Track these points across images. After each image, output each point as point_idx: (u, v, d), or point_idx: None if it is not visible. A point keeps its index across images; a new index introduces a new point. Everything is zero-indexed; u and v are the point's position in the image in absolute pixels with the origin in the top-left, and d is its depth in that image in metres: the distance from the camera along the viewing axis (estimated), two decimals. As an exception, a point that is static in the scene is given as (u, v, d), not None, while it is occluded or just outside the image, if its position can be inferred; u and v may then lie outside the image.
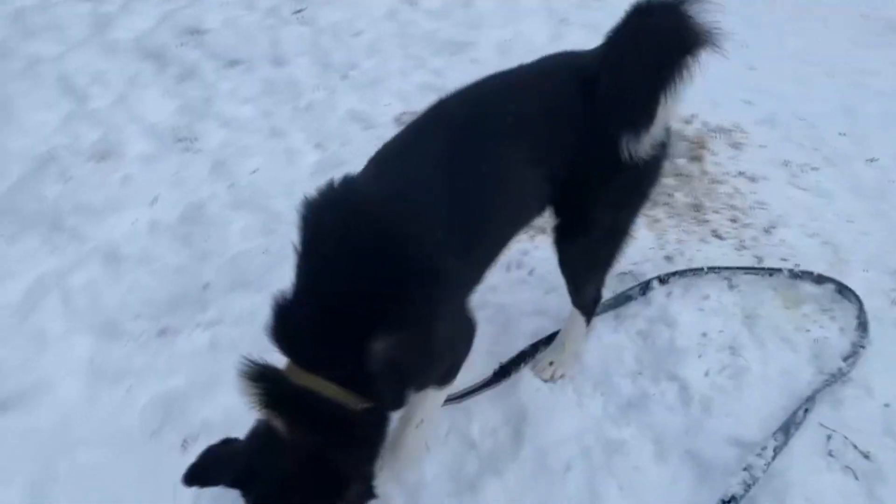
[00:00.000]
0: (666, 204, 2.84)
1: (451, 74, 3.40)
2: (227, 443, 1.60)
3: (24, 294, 2.44)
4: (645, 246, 2.63)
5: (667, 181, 2.93)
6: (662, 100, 1.70)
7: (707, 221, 2.77)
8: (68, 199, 2.78)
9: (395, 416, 1.76)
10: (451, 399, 2.04)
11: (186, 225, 2.67)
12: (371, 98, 3.35)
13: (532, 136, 1.73)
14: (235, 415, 1.63)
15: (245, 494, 1.51)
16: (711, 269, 2.49)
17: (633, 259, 2.55)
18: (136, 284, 2.45)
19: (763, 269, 2.51)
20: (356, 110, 3.26)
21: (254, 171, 2.93)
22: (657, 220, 2.76)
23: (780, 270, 2.48)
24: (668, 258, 2.59)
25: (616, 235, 2.04)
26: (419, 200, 1.57)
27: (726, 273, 2.49)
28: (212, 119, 3.22)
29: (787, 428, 1.98)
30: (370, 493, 1.61)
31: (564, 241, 1.99)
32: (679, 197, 2.88)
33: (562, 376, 2.19)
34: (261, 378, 1.50)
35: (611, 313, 2.37)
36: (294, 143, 3.08)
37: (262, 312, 1.54)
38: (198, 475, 1.53)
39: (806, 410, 2.04)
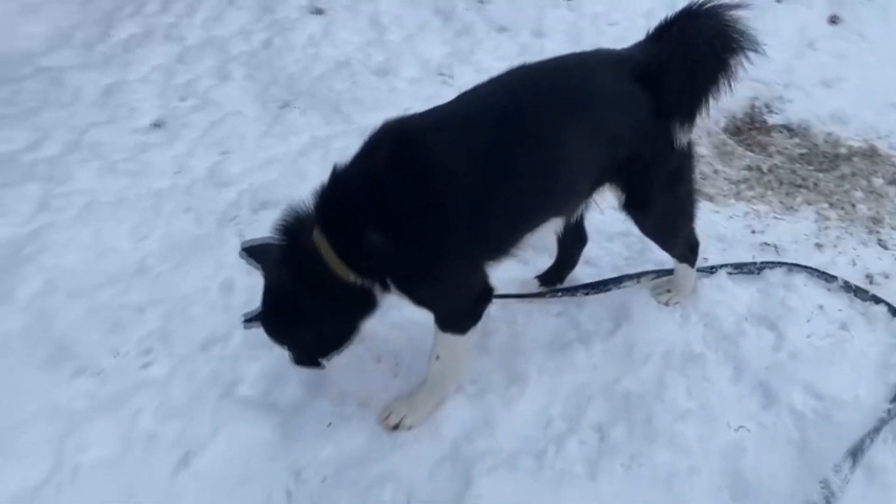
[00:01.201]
0: (842, 209, 2.98)
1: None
2: (271, 246, 1.95)
3: (300, 148, 3.32)
4: (800, 230, 2.82)
5: (855, 194, 3.05)
6: (710, 96, 1.95)
7: (877, 232, 2.86)
8: (349, 94, 3.65)
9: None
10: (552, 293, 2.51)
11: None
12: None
13: (590, 117, 1.93)
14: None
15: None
16: (779, 263, 2.62)
17: (782, 236, 2.77)
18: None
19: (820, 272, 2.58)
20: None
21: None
22: (827, 218, 2.92)
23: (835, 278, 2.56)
24: (819, 246, 2.76)
25: (679, 204, 2.27)
26: (457, 139, 1.81)
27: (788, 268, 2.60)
28: (470, 65, 3.93)
29: (855, 454, 1.97)
30: (323, 348, 2.05)
31: (635, 212, 2.21)
32: (861, 208, 2.99)
33: (676, 303, 2.52)
34: (289, 227, 1.91)
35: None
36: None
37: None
38: (253, 251, 2.00)
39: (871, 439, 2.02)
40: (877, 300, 2.48)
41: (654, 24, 2.06)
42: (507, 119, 1.84)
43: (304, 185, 2.94)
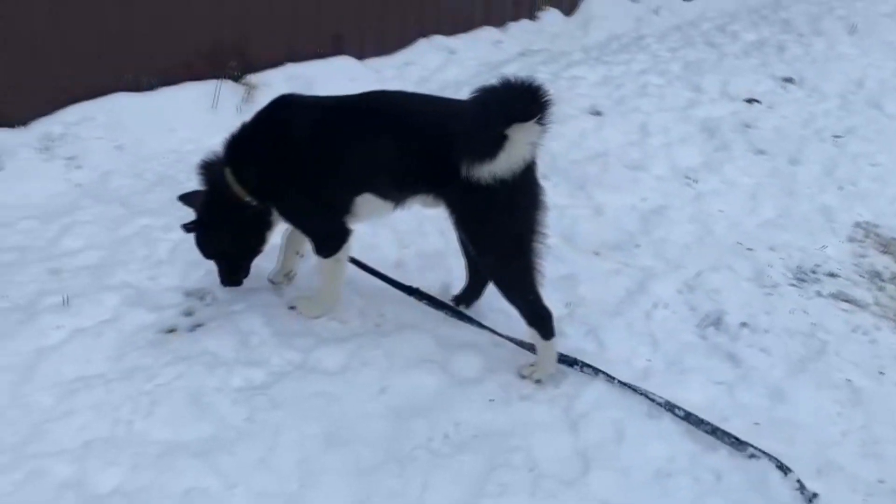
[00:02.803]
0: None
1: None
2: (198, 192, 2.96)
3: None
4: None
5: None
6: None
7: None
8: (597, 178, 4.28)
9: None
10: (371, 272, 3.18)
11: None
12: None
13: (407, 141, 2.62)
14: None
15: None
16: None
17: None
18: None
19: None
20: None
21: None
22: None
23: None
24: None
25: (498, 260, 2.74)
26: (318, 115, 2.75)
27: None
28: (717, 175, 4.36)
29: None
30: (241, 253, 3.02)
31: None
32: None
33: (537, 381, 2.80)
34: (209, 165, 2.90)
35: None
36: None
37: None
38: (186, 198, 3.01)
39: None
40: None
41: None
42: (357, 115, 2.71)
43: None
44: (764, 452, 2.45)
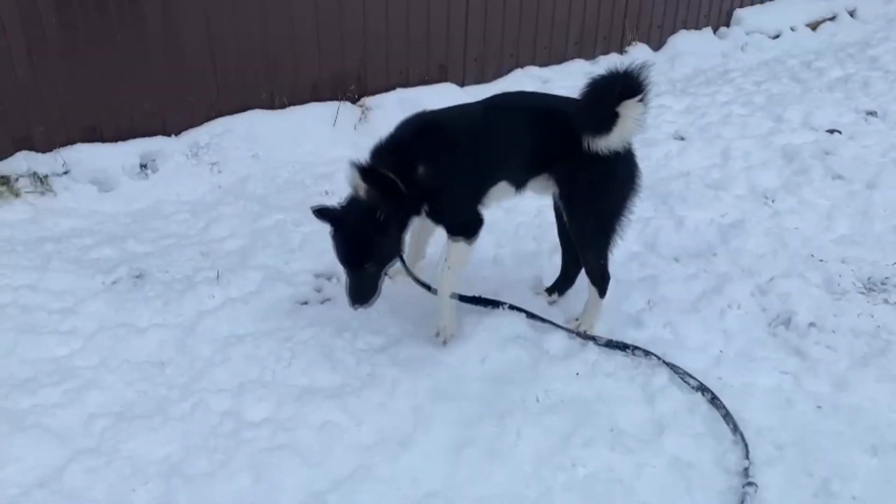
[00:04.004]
0: None
1: None
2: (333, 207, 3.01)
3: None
4: None
5: None
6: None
7: None
8: (679, 194, 4.64)
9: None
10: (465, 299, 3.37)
11: None
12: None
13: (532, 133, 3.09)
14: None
15: (341, 223, 2.96)
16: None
17: None
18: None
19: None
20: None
21: None
22: None
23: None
24: None
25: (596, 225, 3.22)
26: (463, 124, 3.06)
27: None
28: (794, 197, 4.59)
29: None
30: (399, 247, 3.12)
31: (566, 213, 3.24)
32: None
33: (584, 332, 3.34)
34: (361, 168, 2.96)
35: None
36: None
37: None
38: (322, 211, 2.94)
39: None
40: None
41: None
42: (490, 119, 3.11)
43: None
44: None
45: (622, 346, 3.22)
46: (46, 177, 4.44)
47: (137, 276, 3.71)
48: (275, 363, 3.13)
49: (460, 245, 3.13)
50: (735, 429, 2.77)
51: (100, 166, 4.59)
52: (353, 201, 2.99)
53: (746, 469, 2.61)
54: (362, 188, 2.94)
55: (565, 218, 3.24)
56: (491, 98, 3.33)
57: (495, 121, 3.10)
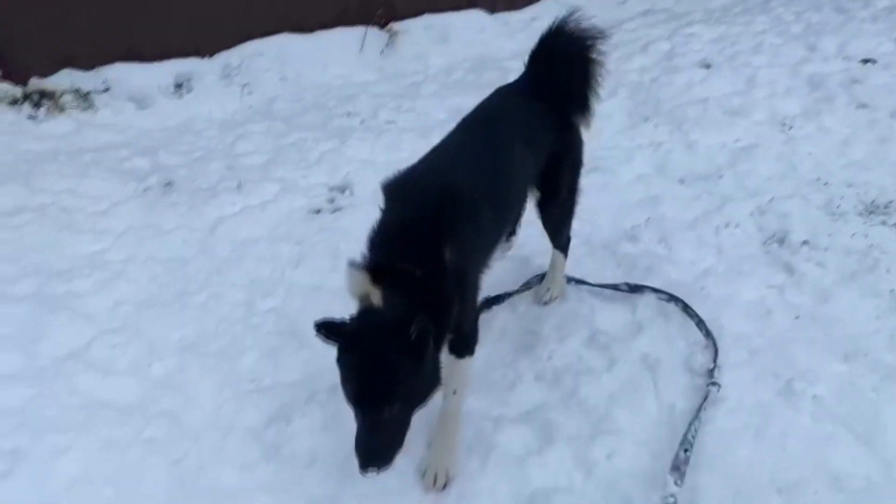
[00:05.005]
0: None
1: None
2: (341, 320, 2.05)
3: (638, 146, 4.46)
4: None
5: None
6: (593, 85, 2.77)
7: None
8: (696, 121, 4.67)
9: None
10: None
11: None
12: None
13: (521, 130, 2.60)
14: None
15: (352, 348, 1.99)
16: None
17: None
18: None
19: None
20: None
21: None
22: None
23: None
24: None
25: (576, 190, 2.97)
26: (453, 170, 2.38)
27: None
28: (814, 124, 4.56)
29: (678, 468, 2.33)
30: (437, 378, 2.10)
31: (546, 206, 2.89)
32: None
33: (555, 298, 3.14)
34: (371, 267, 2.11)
35: None
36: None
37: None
38: (326, 327, 1.98)
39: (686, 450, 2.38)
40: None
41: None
42: (477, 151, 2.51)
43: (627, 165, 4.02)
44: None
45: (612, 287, 3.21)
46: (88, 93, 4.74)
47: (166, 185, 4.00)
48: (284, 265, 3.39)
49: (466, 361, 2.40)
50: (707, 333, 2.91)
51: (138, 85, 4.87)
52: (367, 313, 2.09)
53: (712, 370, 2.75)
54: (376, 294, 2.07)
55: (541, 213, 2.96)
56: (461, 132, 2.64)
57: (505, 160, 2.54)
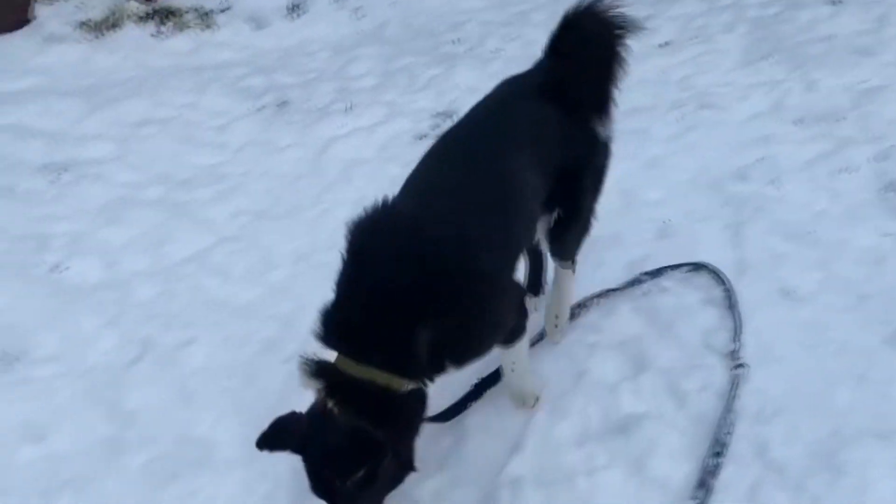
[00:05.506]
0: None
1: None
2: (293, 416, 1.82)
3: (755, 83, 4.28)
4: None
5: None
6: (613, 85, 2.14)
7: None
8: (820, 58, 4.42)
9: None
10: (435, 419, 2.18)
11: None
12: None
13: (528, 146, 2.05)
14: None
15: (304, 459, 1.79)
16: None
17: None
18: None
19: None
20: None
21: None
22: None
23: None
24: None
25: (595, 203, 2.43)
26: (445, 211, 1.86)
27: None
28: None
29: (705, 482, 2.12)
30: (410, 466, 1.86)
31: (556, 231, 2.34)
32: None
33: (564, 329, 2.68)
34: (319, 373, 1.80)
35: None
36: None
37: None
38: (268, 441, 1.80)
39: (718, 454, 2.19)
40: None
41: None
42: (469, 176, 2.00)
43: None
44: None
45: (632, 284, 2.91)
46: (210, 12, 4.93)
47: (281, 104, 4.17)
48: (390, 184, 3.48)
49: (507, 350, 2.30)
50: (731, 305, 2.76)
51: (255, 6, 5.04)
52: (318, 419, 1.82)
53: (735, 351, 2.58)
54: (332, 403, 1.81)
55: (548, 238, 2.45)
56: (455, 151, 2.20)
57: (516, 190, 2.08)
